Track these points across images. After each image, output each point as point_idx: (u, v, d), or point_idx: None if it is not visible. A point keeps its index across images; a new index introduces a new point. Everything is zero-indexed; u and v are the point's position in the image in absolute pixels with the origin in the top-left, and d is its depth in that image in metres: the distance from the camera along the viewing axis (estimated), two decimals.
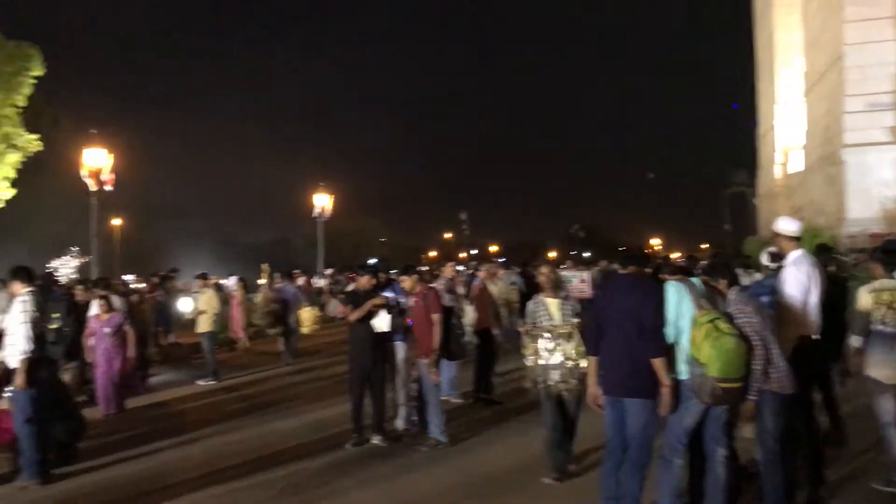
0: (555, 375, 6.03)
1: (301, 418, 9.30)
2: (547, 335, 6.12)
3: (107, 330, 9.97)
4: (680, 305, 4.98)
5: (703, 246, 50.83)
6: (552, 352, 6.08)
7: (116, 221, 43.27)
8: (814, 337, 5.48)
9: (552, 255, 68.43)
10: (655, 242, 73.24)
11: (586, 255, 58.03)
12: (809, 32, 23.23)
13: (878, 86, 18.16)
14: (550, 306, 6.22)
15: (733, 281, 5.15)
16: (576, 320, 6.18)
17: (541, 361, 6.11)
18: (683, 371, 4.93)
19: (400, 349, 8.28)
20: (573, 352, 6.05)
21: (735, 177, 51.16)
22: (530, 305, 6.36)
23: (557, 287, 6.47)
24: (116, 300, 11.23)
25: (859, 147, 18.06)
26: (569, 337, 6.09)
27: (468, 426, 8.42)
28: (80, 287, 10.86)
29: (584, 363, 5.70)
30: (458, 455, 7.31)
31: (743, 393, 4.74)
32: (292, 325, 15.80)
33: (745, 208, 45.77)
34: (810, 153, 23.00)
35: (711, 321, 4.69)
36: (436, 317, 7.62)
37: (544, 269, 6.56)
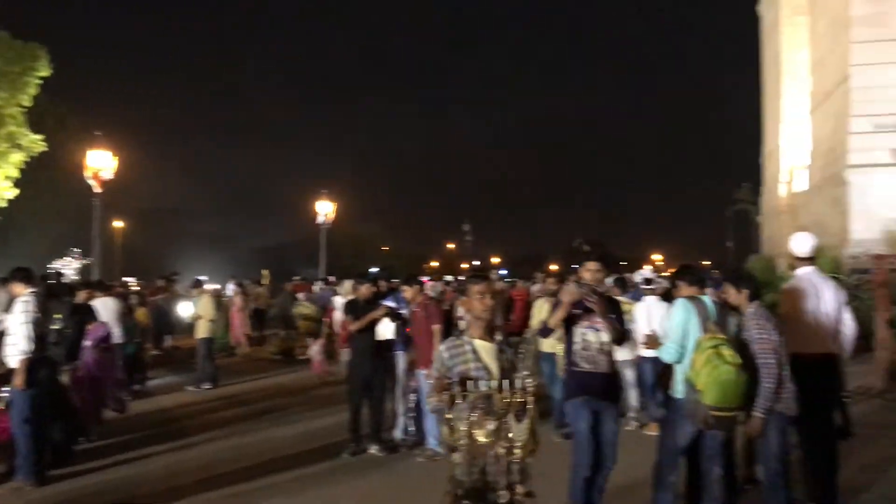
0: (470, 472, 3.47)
1: (298, 426, 9.29)
2: (462, 403, 3.43)
3: (87, 343, 8.64)
4: (687, 325, 4.96)
5: (704, 263, 50.72)
6: (472, 429, 3.39)
7: (119, 224, 43.35)
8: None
9: (554, 267, 68.39)
10: (657, 258, 73.12)
11: None
12: (816, 52, 23.26)
13: (883, 107, 18.13)
14: (481, 352, 3.71)
15: (755, 294, 5.07)
16: (531, 382, 3.45)
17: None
18: (680, 391, 4.93)
19: (401, 359, 8.27)
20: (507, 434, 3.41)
21: (739, 194, 51.21)
22: (442, 349, 3.84)
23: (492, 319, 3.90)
24: (111, 304, 10.72)
25: (863, 168, 18.01)
26: (507, 409, 3.39)
27: None
28: (84, 290, 10.65)
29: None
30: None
31: (735, 421, 4.71)
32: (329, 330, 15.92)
33: (748, 226, 45.69)
34: (815, 173, 22.99)
35: (715, 347, 4.62)
36: (436, 327, 7.61)
37: (477, 288, 3.85)
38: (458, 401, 3.43)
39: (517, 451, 3.40)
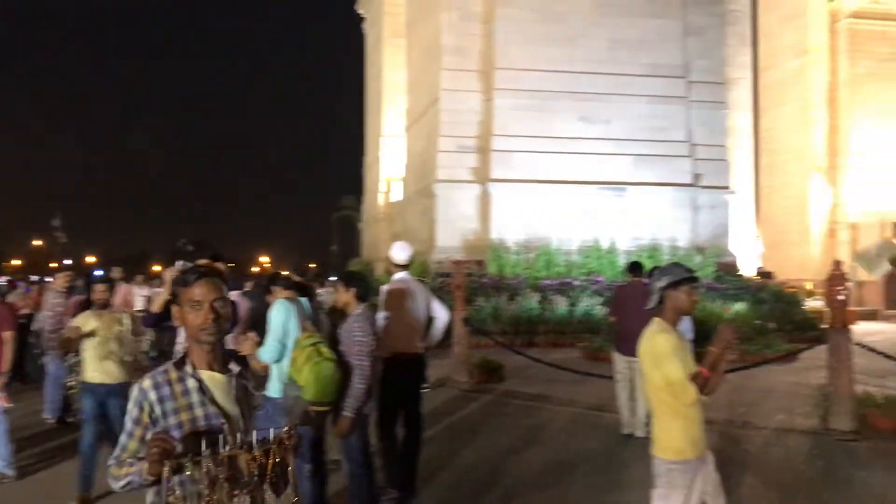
0: None
1: None
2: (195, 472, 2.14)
3: None
4: (287, 324, 5.02)
5: (311, 265, 52.48)
6: None
7: None
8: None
9: (157, 268, 64.90)
10: (265, 260, 73.72)
11: None
12: (412, 74, 25.50)
13: (465, 130, 20.53)
14: (213, 390, 2.42)
15: (363, 296, 5.27)
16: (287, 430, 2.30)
17: None
18: (275, 389, 4.98)
19: None
20: None
21: (343, 201, 54.04)
22: (146, 387, 2.36)
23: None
24: None
25: (448, 183, 20.19)
26: (260, 475, 2.21)
27: (43, 455, 7.50)
28: None
29: None
30: (27, 489, 6.48)
31: (330, 415, 4.92)
32: None
33: (352, 231, 48.37)
34: (409, 185, 25.14)
35: (314, 344, 4.75)
36: (7, 335, 6.69)
37: (194, 293, 2.44)
38: (188, 470, 2.13)
39: None
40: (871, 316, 25.32)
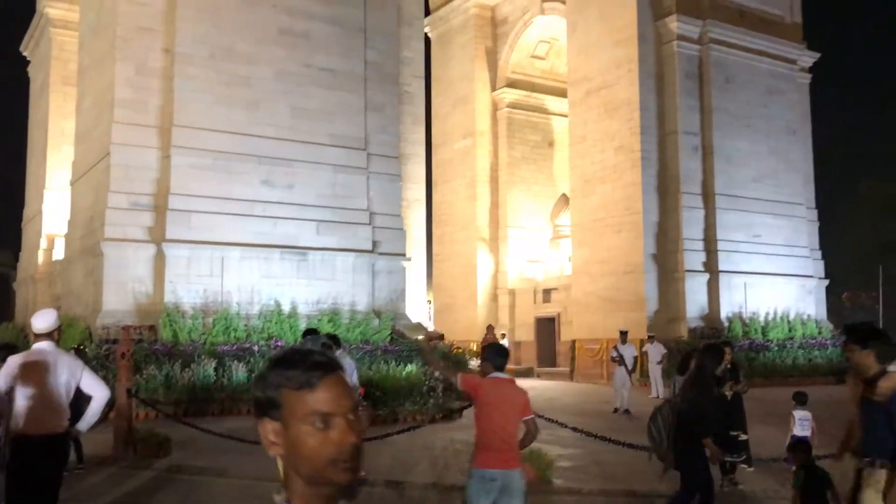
0: None
1: None
2: None
3: None
4: None
5: None
6: None
7: None
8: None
9: None
10: None
11: None
12: (81, 124, 23.59)
13: (140, 187, 19.29)
14: None
15: None
16: None
17: None
18: None
19: None
20: None
21: None
22: None
23: None
24: None
25: (119, 242, 18.76)
26: None
27: None
28: None
29: None
30: None
31: None
32: None
33: (6, 292, 43.15)
34: (73, 242, 23.02)
35: None
36: None
37: (319, 398, 1.58)
38: None
39: None
40: (528, 373, 28.29)
